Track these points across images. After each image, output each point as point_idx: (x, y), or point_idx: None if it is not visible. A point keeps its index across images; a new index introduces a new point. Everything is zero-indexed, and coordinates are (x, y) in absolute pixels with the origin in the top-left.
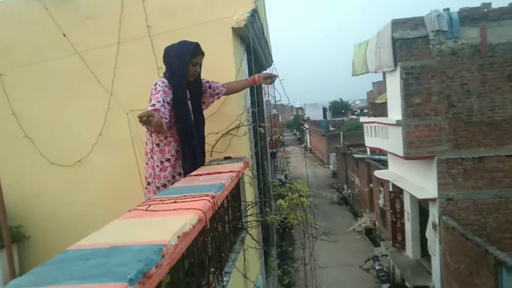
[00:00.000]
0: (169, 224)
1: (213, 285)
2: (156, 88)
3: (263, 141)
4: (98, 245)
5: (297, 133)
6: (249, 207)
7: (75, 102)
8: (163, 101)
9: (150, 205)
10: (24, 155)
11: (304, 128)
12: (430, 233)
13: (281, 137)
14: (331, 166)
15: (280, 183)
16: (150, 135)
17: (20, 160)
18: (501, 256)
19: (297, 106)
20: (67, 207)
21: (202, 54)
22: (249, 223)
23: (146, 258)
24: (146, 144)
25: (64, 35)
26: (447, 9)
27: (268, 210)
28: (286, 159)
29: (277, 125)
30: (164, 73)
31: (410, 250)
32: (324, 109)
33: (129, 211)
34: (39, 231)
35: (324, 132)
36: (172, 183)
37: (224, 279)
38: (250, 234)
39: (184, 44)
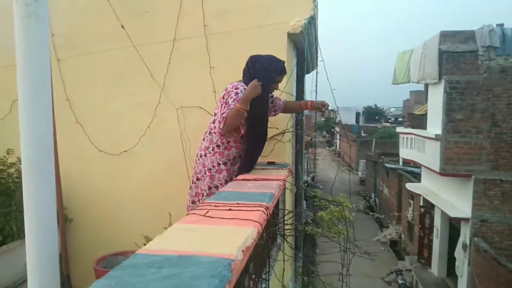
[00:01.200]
0: (231, 236)
1: None
2: (237, 92)
3: (299, 145)
4: (167, 252)
5: (327, 135)
6: (289, 215)
7: (126, 93)
8: None
9: (208, 211)
10: (75, 140)
11: (335, 131)
12: (459, 253)
13: (312, 139)
14: (359, 173)
15: (306, 185)
16: (214, 134)
17: (71, 145)
18: None
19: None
20: (109, 194)
21: (285, 73)
22: (287, 230)
23: (219, 274)
24: (204, 140)
25: (123, 27)
26: (501, 25)
27: (311, 220)
28: (314, 161)
29: (308, 127)
30: (243, 78)
31: (436, 268)
32: (357, 114)
33: (187, 214)
34: (81, 215)
35: (356, 137)
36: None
37: (263, 286)
38: (288, 242)
39: (273, 61)
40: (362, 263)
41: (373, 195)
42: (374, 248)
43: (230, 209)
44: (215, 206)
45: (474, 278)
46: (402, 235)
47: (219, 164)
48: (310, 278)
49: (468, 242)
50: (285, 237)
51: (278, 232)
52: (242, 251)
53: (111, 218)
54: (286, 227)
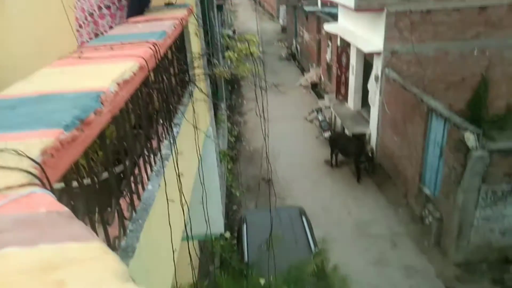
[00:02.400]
0: (107, 72)
1: (163, 136)
2: None
3: None
4: (26, 94)
5: None
6: (196, 58)
7: None
8: None
9: (83, 53)
10: None
11: None
12: (372, 85)
13: None
14: (280, 21)
15: (228, 38)
16: None
17: None
18: (433, 104)
19: None
20: None
21: None
22: (196, 76)
23: (84, 104)
24: None
25: None
26: None
27: (216, 62)
28: (234, 12)
29: None
30: None
31: (352, 102)
32: None
33: (60, 58)
34: None
35: None
36: None
37: (174, 130)
38: (198, 87)
39: None
40: (287, 106)
41: (294, 42)
42: (297, 92)
43: (111, 49)
44: (95, 49)
45: (384, 106)
46: (322, 77)
47: (100, 8)
48: (236, 126)
49: (379, 74)
50: (194, 81)
51: (186, 78)
52: (118, 84)
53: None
54: (196, 72)
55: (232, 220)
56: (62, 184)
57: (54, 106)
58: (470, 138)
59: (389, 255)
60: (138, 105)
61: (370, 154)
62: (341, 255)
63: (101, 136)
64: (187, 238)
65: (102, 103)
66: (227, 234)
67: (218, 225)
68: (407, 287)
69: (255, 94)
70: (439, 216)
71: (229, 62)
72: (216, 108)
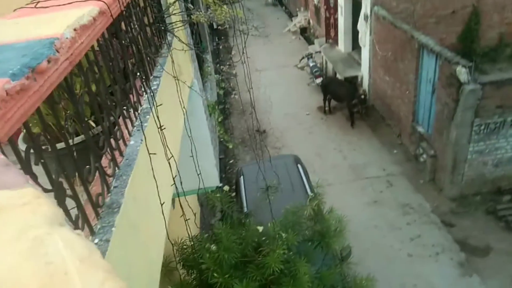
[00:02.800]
0: (64, 18)
1: (142, 89)
2: None
3: None
4: None
5: None
6: (171, 5)
7: None
8: None
9: (39, 2)
10: None
11: None
12: (361, 25)
13: None
14: None
15: None
16: None
17: None
18: (424, 40)
19: None
20: None
21: None
22: (174, 25)
23: (34, 52)
24: None
25: None
26: None
27: (192, 6)
28: None
29: None
30: None
31: (342, 45)
32: None
33: (15, 10)
34: None
35: None
36: None
37: (154, 83)
38: (176, 36)
39: None
40: (277, 55)
41: None
42: (286, 39)
43: None
44: None
45: (375, 46)
46: (311, 21)
47: None
48: (226, 79)
49: (369, 13)
50: (172, 31)
51: (162, 27)
52: (74, 29)
53: None
54: (172, 20)
55: (230, 174)
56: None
57: (3, 56)
58: (461, 72)
59: (385, 195)
60: (109, 57)
61: (362, 97)
62: (338, 199)
63: (70, 90)
64: (183, 193)
65: (57, 51)
66: (226, 188)
67: (213, 179)
68: (404, 224)
69: (236, 41)
70: (433, 153)
71: (208, 8)
72: (201, 61)
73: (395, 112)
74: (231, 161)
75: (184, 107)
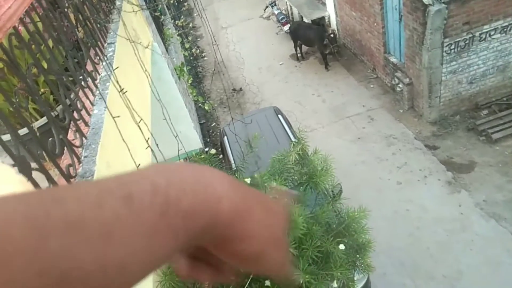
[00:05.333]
0: None
1: (98, 57)
2: None
3: None
4: None
5: None
6: None
7: None
8: None
9: None
10: None
11: None
12: None
13: None
14: None
15: None
16: None
17: None
18: None
19: None
20: None
21: None
22: None
23: None
24: None
25: None
26: None
27: None
28: None
29: None
30: None
31: None
32: None
33: None
34: None
35: None
36: None
37: (109, 49)
38: None
39: None
40: (240, 9)
41: None
42: None
43: None
44: None
45: None
46: None
47: None
48: (193, 42)
49: None
50: None
51: None
52: None
53: None
54: None
55: (215, 137)
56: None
57: None
58: None
59: (368, 130)
60: (53, 27)
61: (332, 36)
62: (323, 141)
63: (13, 63)
64: (163, 158)
65: None
66: (213, 151)
67: (194, 142)
68: (389, 154)
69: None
70: (409, 81)
71: None
72: (160, 24)
73: (366, 46)
74: (213, 124)
75: (146, 70)
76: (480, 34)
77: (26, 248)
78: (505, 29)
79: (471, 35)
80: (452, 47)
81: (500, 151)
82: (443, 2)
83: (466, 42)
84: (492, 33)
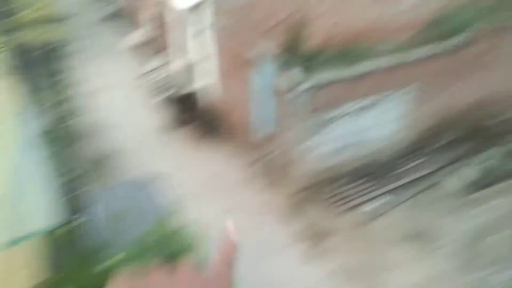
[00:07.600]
0: None
1: None
2: None
3: None
4: None
5: None
6: None
7: None
8: None
9: None
10: None
11: None
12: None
13: None
14: None
15: None
16: None
17: None
18: (254, 55)
19: None
20: None
21: None
22: None
23: None
24: None
25: None
26: None
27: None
28: None
29: None
30: None
31: (177, 60)
32: None
33: None
34: None
35: None
36: None
37: None
38: None
39: None
40: (112, 74)
41: None
42: (124, 55)
43: None
44: None
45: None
46: (154, 32)
47: None
48: (62, 103)
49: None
50: None
51: None
52: None
53: None
54: None
55: (85, 203)
56: None
57: None
58: (292, 77)
59: (238, 200)
60: None
61: (204, 109)
62: (196, 210)
63: None
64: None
65: None
66: (81, 219)
67: (43, 218)
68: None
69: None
70: (272, 155)
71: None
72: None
73: (238, 120)
74: (84, 189)
75: None
76: (336, 115)
77: None
78: (356, 111)
79: (328, 117)
80: (318, 122)
81: (355, 218)
82: (306, 88)
83: (330, 119)
84: (345, 114)
